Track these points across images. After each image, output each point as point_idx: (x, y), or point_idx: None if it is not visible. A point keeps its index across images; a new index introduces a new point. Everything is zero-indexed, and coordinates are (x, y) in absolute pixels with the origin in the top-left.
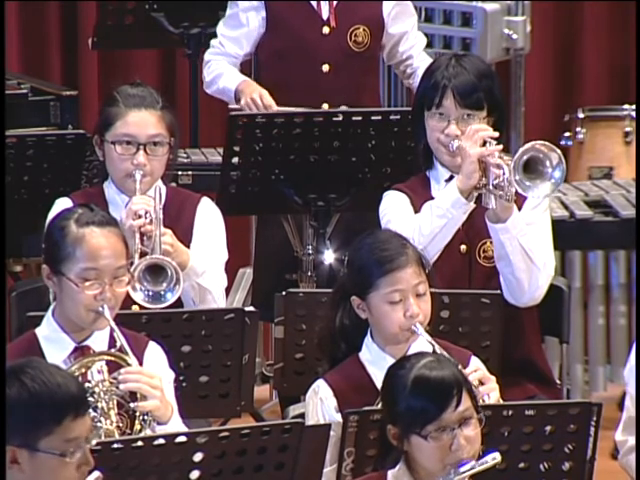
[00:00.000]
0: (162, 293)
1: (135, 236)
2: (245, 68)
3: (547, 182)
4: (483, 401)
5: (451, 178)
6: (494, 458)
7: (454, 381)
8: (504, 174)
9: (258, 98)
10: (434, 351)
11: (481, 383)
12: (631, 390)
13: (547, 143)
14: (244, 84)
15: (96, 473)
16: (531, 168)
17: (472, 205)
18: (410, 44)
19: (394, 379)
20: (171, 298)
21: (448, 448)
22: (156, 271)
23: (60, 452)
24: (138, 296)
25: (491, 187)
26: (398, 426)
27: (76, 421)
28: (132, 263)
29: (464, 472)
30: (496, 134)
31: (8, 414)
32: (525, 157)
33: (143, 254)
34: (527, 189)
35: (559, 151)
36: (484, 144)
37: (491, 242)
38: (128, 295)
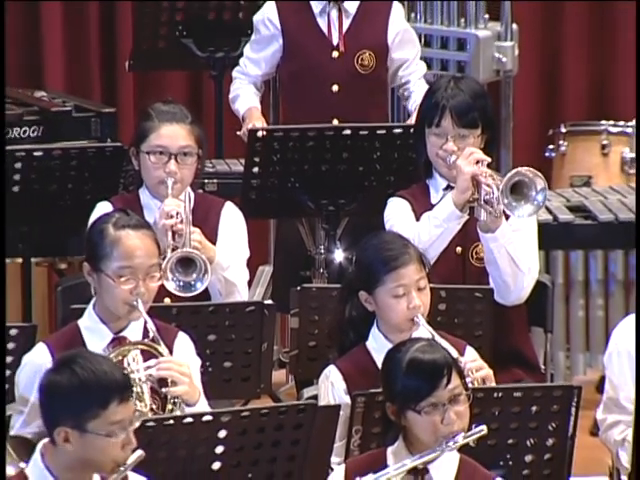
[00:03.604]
0: (192, 283)
1: (168, 234)
2: (267, 86)
3: (529, 204)
4: (478, 384)
5: (448, 187)
6: (481, 430)
7: (444, 362)
8: (494, 193)
9: None
10: (432, 339)
11: (477, 372)
12: (609, 374)
13: (533, 170)
14: (248, 112)
15: (139, 452)
16: (518, 189)
17: (465, 217)
18: (410, 71)
19: (391, 361)
20: (200, 287)
21: (440, 422)
22: (187, 263)
23: (106, 433)
24: (171, 285)
25: (482, 202)
26: (396, 403)
27: (121, 405)
28: (165, 258)
29: (454, 443)
30: (489, 159)
31: (61, 399)
32: (513, 180)
33: (175, 250)
34: (512, 209)
35: (544, 178)
36: (477, 164)
37: (483, 245)
38: (160, 288)
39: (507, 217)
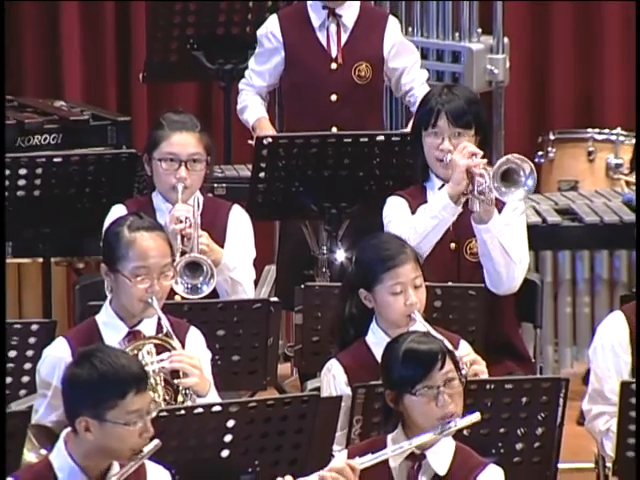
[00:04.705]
0: (199, 286)
1: (177, 238)
2: (272, 96)
3: (521, 189)
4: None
5: (443, 187)
6: (475, 417)
7: (439, 349)
8: (486, 182)
9: None
10: (427, 333)
11: (472, 364)
12: (594, 368)
13: (520, 156)
14: (257, 123)
15: (156, 441)
16: (508, 177)
17: (459, 209)
18: (411, 77)
19: (390, 352)
20: (207, 290)
21: (435, 405)
22: (194, 267)
23: (124, 422)
24: (179, 288)
25: (476, 193)
26: (394, 390)
27: (138, 396)
28: (174, 261)
29: (449, 427)
30: (481, 152)
31: (82, 390)
32: (503, 168)
33: (183, 253)
34: (504, 194)
35: (531, 162)
36: (471, 157)
37: (476, 241)
38: (171, 287)
39: (499, 212)
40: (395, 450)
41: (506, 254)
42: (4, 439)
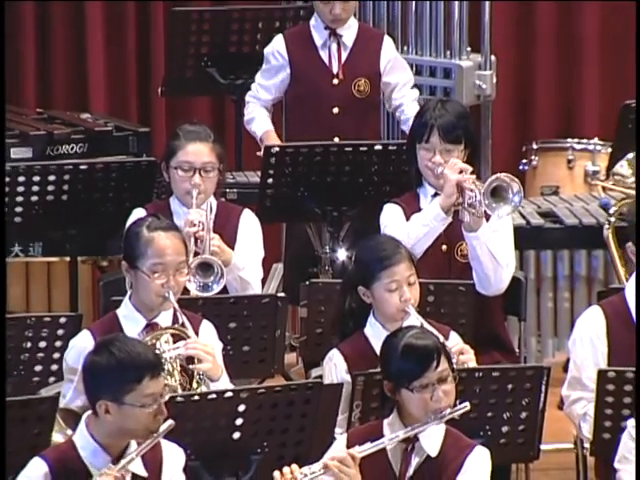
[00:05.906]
0: (210, 284)
1: (190, 240)
2: (277, 109)
3: (508, 205)
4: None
5: (435, 194)
6: (465, 406)
7: (434, 347)
8: (476, 196)
9: None
10: (422, 327)
11: (461, 354)
12: (573, 357)
13: (510, 175)
14: (265, 135)
15: (169, 421)
16: (497, 193)
17: (450, 219)
18: (402, 94)
19: (389, 345)
20: (217, 288)
21: (429, 399)
22: (206, 267)
23: (140, 404)
24: (191, 286)
25: (466, 205)
26: (391, 382)
27: (152, 381)
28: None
29: (441, 417)
30: (470, 168)
31: (101, 376)
32: (493, 185)
33: (196, 254)
34: (493, 209)
35: (519, 182)
36: (461, 172)
37: (466, 243)
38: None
39: (487, 220)
40: (392, 439)
41: (494, 259)
42: (4, 435)
